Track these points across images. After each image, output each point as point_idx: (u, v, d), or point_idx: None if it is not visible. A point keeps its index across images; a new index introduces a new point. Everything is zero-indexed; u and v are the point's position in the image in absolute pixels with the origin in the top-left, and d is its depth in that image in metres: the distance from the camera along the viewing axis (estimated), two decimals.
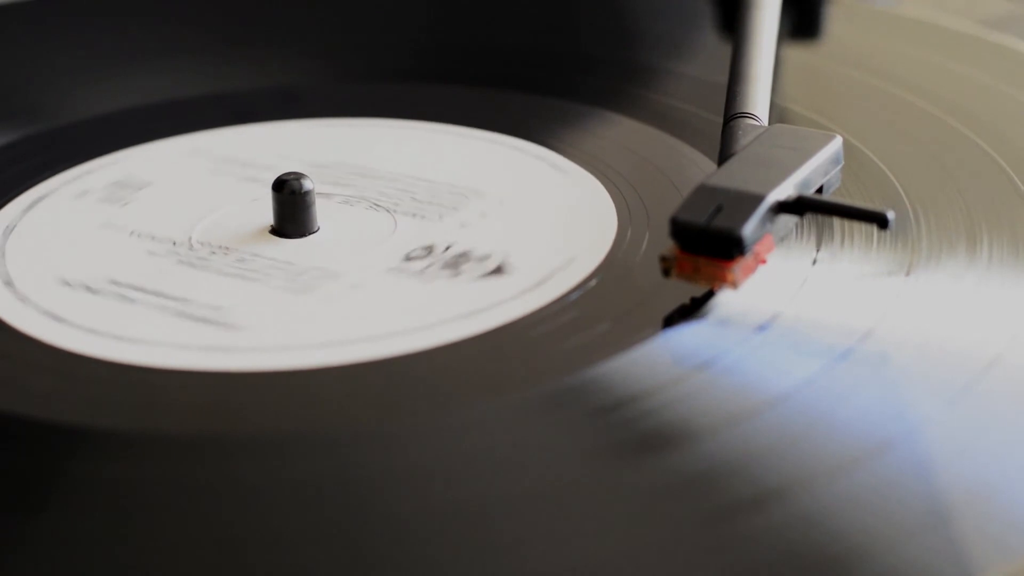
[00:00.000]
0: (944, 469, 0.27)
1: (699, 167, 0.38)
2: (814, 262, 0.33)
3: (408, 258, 0.35)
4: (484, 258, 0.35)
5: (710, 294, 0.32)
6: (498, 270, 0.34)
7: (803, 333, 0.31)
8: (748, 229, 0.31)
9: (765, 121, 0.36)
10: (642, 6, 0.49)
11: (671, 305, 0.32)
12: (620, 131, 0.40)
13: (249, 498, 0.27)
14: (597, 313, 0.32)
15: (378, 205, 0.37)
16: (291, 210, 0.36)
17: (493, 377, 0.31)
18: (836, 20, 0.47)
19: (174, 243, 0.36)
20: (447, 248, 0.35)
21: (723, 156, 0.34)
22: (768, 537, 0.26)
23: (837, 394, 0.29)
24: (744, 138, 0.34)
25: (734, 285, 0.31)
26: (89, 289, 0.34)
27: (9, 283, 0.34)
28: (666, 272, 0.32)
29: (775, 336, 0.31)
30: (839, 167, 0.34)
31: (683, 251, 0.31)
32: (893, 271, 0.33)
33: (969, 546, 0.26)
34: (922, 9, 0.48)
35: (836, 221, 0.35)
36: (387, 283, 0.34)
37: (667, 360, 0.30)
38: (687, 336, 0.31)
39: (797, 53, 0.45)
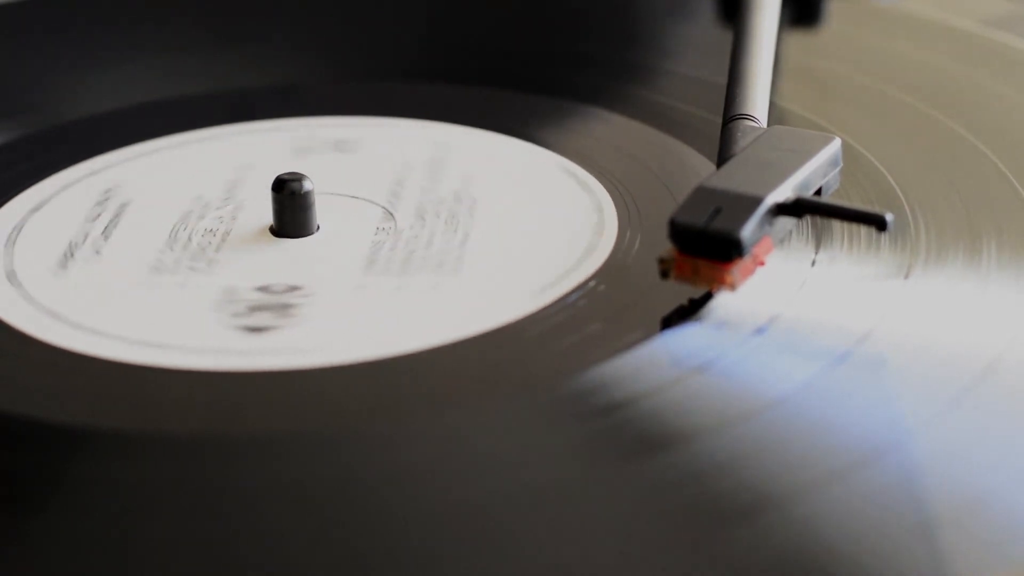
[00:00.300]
0: (941, 474, 0.27)
1: (699, 168, 0.38)
2: (813, 264, 0.33)
3: (408, 258, 0.35)
4: (482, 258, 0.35)
5: (708, 296, 0.32)
6: (496, 270, 0.34)
7: (801, 335, 0.31)
8: (747, 231, 0.31)
9: (764, 123, 0.36)
10: (641, 6, 0.49)
11: (670, 307, 0.32)
12: (620, 131, 0.40)
13: (249, 498, 0.28)
14: (596, 314, 0.32)
15: (378, 205, 0.37)
16: (291, 210, 0.36)
17: (492, 378, 0.31)
18: (836, 18, 0.47)
19: (175, 243, 0.36)
20: (446, 248, 0.35)
21: (722, 158, 0.34)
22: (763, 542, 0.26)
23: (835, 397, 0.29)
24: (743, 140, 0.34)
25: (732, 287, 0.31)
26: (89, 289, 0.34)
27: (12, 282, 0.35)
28: (664, 274, 0.32)
29: (773, 338, 0.31)
30: (838, 169, 0.34)
31: (681, 253, 0.31)
32: (892, 273, 0.33)
33: (966, 553, 0.26)
34: (923, 8, 0.48)
35: (836, 223, 0.35)
36: (386, 283, 0.34)
37: (665, 362, 0.31)
38: (685, 338, 0.31)
39: (797, 53, 0.45)
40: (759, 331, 0.31)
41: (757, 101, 0.36)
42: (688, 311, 0.32)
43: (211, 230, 0.36)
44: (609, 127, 0.41)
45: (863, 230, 0.34)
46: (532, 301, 0.33)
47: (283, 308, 0.33)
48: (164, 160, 0.40)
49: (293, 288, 0.34)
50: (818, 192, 0.33)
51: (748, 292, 0.32)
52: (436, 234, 0.36)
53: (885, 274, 0.33)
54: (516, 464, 0.28)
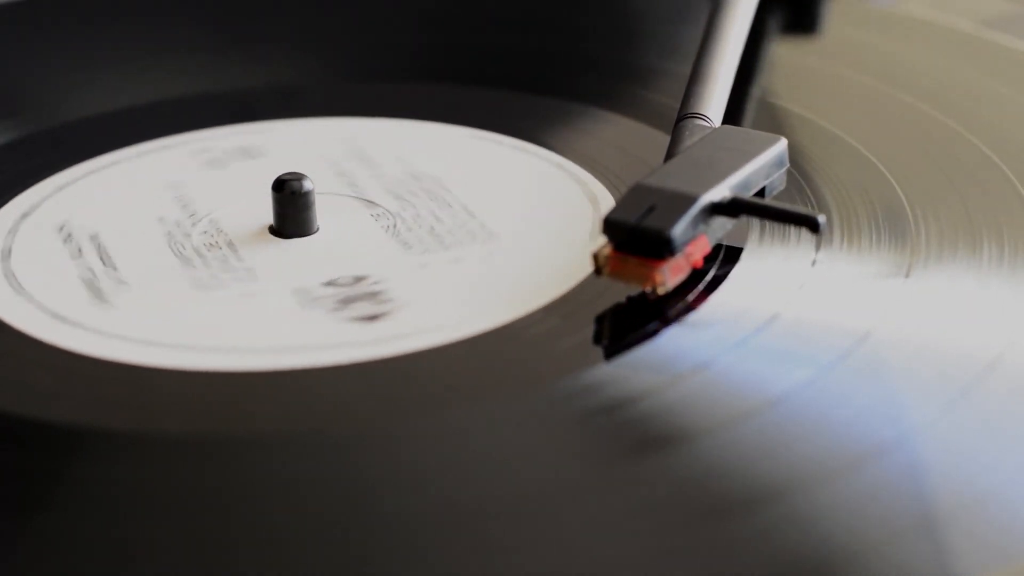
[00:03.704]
0: (941, 472, 0.27)
1: None
2: (813, 263, 0.33)
3: (407, 258, 0.35)
4: (481, 258, 0.35)
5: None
6: (495, 270, 0.34)
7: (801, 335, 0.31)
8: (678, 230, 0.31)
9: (717, 123, 0.36)
10: (641, 6, 0.49)
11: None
12: (620, 131, 0.40)
13: (249, 498, 0.28)
14: (595, 315, 0.32)
15: (378, 205, 0.37)
16: (291, 210, 0.36)
17: (490, 378, 0.31)
18: (834, 19, 0.47)
19: (175, 243, 0.36)
20: (445, 248, 0.35)
21: (669, 156, 0.34)
22: (764, 541, 0.26)
23: (835, 397, 0.29)
24: (691, 138, 0.34)
25: (662, 285, 0.31)
26: (90, 289, 0.34)
27: (12, 282, 0.34)
28: (598, 271, 0.32)
29: (773, 338, 0.31)
30: (783, 169, 0.34)
31: (616, 250, 0.31)
32: (892, 273, 0.33)
33: (967, 551, 0.26)
34: (921, 9, 0.48)
35: (836, 222, 0.35)
36: (386, 283, 0.34)
37: (665, 362, 0.31)
38: (684, 338, 0.31)
39: (795, 53, 0.45)
40: (759, 330, 0.31)
41: (712, 100, 0.36)
42: (687, 311, 0.32)
43: (211, 244, 0.36)
44: (609, 127, 0.41)
45: (863, 230, 0.34)
46: (531, 301, 0.33)
47: (373, 296, 0.33)
48: (165, 159, 0.40)
49: (360, 279, 0.34)
50: (761, 192, 0.33)
51: (748, 292, 0.32)
52: (435, 234, 0.36)
53: (885, 273, 0.33)
54: (516, 464, 0.28)
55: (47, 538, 0.27)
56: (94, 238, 0.37)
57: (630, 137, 0.40)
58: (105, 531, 0.27)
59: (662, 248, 0.31)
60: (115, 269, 0.35)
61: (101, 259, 0.36)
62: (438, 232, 0.35)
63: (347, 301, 0.33)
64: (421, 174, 0.38)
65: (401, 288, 0.33)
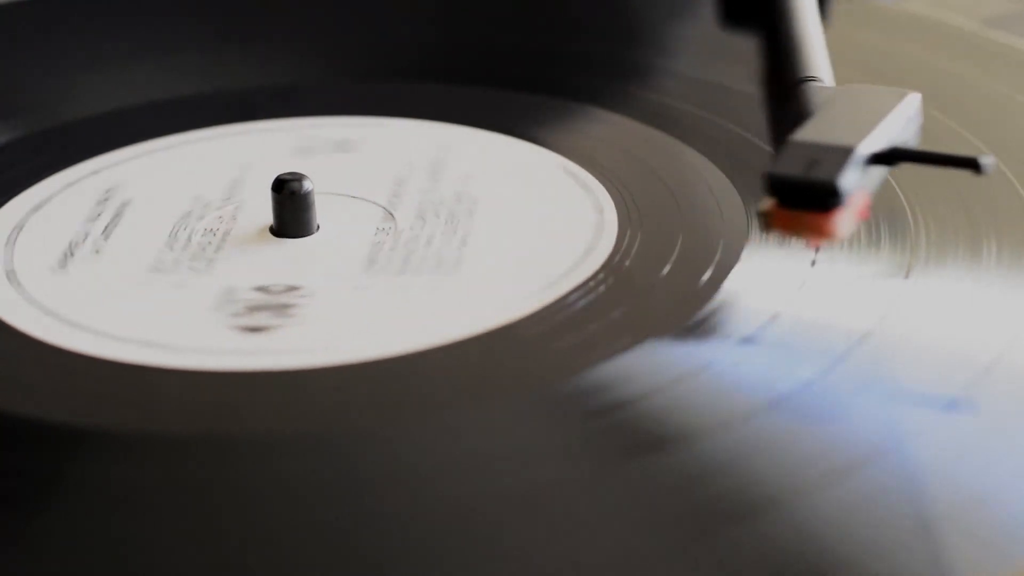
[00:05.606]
0: (941, 474, 0.27)
1: (700, 167, 0.38)
2: (813, 264, 0.33)
3: (407, 258, 0.35)
4: (482, 258, 0.35)
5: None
6: (496, 270, 0.34)
7: (801, 335, 0.31)
8: (846, 179, 0.31)
9: (830, 83, 0.36)
10: (642, 5, 0.49)
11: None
12: (620, 131, 0.40)
13: (248, 498, 0.28)
14: (596, 315, 0.32)
15: (378, 205, 0.37)
16: (291, 210, 0.36)
17: (492, 378, 0.31)
18: (836, 17, 0.47)
19: (175, 243, 0.36)
20: (446, 248, 0.35)
21: (800, 117, 0.34)
22: (764, 542, 0.26)
23: (835, 397, 0.29)
24: (818, 97, 0.35)
25: (834, 237, 0.31)
26: (88, 288, 0.34)
27: (12, 282, 0.35)
28: (766, 227, 0.32)
29: (773, 338, 0.31)
30: (918, 123, 0.34)
31: (780, 206, 0.31)
32: (892, 273, 0.33)
33: (966, 554, 0.26)
34: (922, 7, 0.48)
35: None
36: (386, 283, 0.34)
37: (665, 362, 0.31)
38: (684, 338, 0.31)
39: None
40: (759, 331, 0.31)
41: (820, 62, 0.37)
42: (687, 311, 0.32)
43: (211, 230, 0.36)
44: (609, 127, 0.41)
45: (862, 229, 0.34)
46: (532, 301, 0.33)
47: (282, 308, 0.33)
48: (164, 160, 0.40)
49: (292, 288, 0.34)
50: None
51: (748, 292, 0.32)
52: (436, 234, 0.36)
53: (885, 274, 0.33)
54: (516, 464, 0.28)
55: (47, 538, 0.27)
56: (124, 205, 0.37)
57: (630, 137, 0.40)
58: (105, 531, 0.27)
59: (830, 199, 0.31)
60: (105, 239, 0.36)
61: (106, 226, 0.36)
62: (414, 257, 0.35)
63: (253, 308, 0.33)
64: (466, 196, 0.38)
65: (319, 305, 0.33)
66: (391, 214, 0.37)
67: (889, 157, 0.32)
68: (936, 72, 0.43)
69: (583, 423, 0.29)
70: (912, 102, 0.34)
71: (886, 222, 0.35)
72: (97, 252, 0.36)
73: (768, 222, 0.31)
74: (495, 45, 0.47)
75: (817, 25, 0.40)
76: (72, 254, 0.36)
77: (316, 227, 0.36)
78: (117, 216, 0.37)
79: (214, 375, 0.31)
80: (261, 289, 0.34)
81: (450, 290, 0.33)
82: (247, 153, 0.40)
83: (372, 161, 0.40)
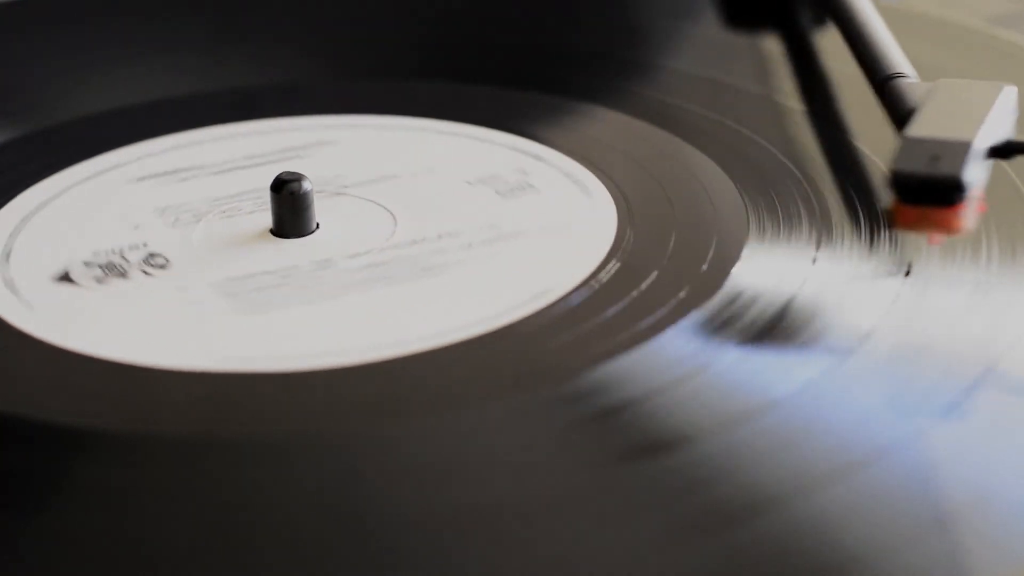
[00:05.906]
0: (943, 474, 0.27)
1: (700, 167, 0.38)
2: (813, 263, 0.33)
3: (407, 258, 0.35)
4: (481, 258, 0.35)
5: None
6: (496, 270, 0.34)
7: (802, 335, 0.31)
8: (969, 173, 0.31)
9: (915, 78, 0.36)
10: (642, 4, 0.49)
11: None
12: (620, 130, 0.40)
13: (248, 498, 0.28)
14: (595, 315, 0.32)
15: (377, 204, 0.37)
16: (290, 210, 0.36)
17: (492, 378, 0.31)
18: None
19: (176, 243, 0.36)
20: (445, 248, 0.35)
21: (901, 113, 0.34)
22: (765, 542, 0.26)
23: (836, 397, 0.29)
24: (914, 93, 0.35)
25: (959, 231, 0.31)
26: (91, 289, 0.34)
27: (11, 283, 0.35)
28: (891, 224, 0.32)
29: (773, 338, 0.31)
30: (1015, 117, 0.34)
31: (902, 202, 0.31)
32: (892, 273, 0.33)
33: (969, 552, 0.26)
34: (927, 5, 0.48)
35: (835, 220, 0.35)
36: (386, 284, 0.34)
37: (665, 362, 0.30)
38: (684, 338, 0.31)
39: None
40: (759, 331, 0.31)
41: (901, 60, 0.37)
42: (686, 311, 0.32)
43: (212, 230, 0.36)
44: (609, 126, 0.41)
45: (863, 229, 0.34)
46: (532, 301, 0.33)
47: (148, 258, 0.34)
48: (164, 159, 0.40)
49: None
50: None
51: (748, 291, 0.32)
52: (436, 234, 0.36)
53: (885, 273, 0.33)
54: (515, 464, 0.28)
55: (47, 538, 0.27)
56: (145, 184, 0.38)
57: (630, 136, 0.40)
58: (105, 531, 0.27)
59: (953, 194, 0.31)
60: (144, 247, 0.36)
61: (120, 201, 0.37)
62: (414, 258, 0.35)
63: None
64: (465, 195, 0.38)
65: (323, 307, 0.33)
66: (391, 214, 0.37)
67: (1005, 150, 0.33)
68: (940, 70, 0.43)
69: (583, 423, 0.29)
70: (1009, 95, 0.34)
71: (887, 221, 0.35)
72: (97, 251, 0.36)
73: (893, 219, 0.31)
74: (495, 44, 0.47)
75: (880, 21, 0.40)
76: (72, 254, 0.36)
77: (316, 227, 0.36)
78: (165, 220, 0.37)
79: (214, 375, 0.31)
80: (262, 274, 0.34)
81: (450, 290, 0.33)
82: (247, 153, 0.40)
83: (372, 161, 0.40)
